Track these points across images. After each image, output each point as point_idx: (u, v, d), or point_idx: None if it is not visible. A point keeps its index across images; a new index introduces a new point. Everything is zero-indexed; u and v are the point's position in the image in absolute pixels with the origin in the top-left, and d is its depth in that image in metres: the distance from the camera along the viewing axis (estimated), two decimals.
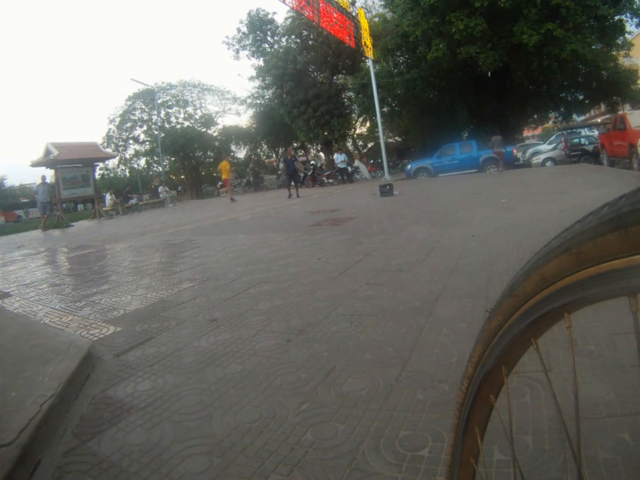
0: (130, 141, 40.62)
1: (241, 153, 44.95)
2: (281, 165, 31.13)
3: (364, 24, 20.29)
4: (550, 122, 36.83)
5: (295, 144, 39.03)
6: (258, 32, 32.40)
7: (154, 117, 38.88)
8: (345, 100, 31.76)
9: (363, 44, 20.02)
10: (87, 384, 2.50)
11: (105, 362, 2.81)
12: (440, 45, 22.25)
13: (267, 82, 31.76)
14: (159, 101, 38.35)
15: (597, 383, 1.86)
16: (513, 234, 5.12)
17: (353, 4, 26.30)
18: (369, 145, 43.21)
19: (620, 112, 18.40)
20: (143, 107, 40.22)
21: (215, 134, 42.04)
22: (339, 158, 24.95)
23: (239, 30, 32.67)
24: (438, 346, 2.45)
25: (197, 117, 41.33)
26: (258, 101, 36.59)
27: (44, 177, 18.90)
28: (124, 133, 40.14)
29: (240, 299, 3.89)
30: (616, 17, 22.17)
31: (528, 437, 1.59)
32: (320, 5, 17.23)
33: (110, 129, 39.74)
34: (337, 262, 4.92)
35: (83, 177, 20.88)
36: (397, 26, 23.84)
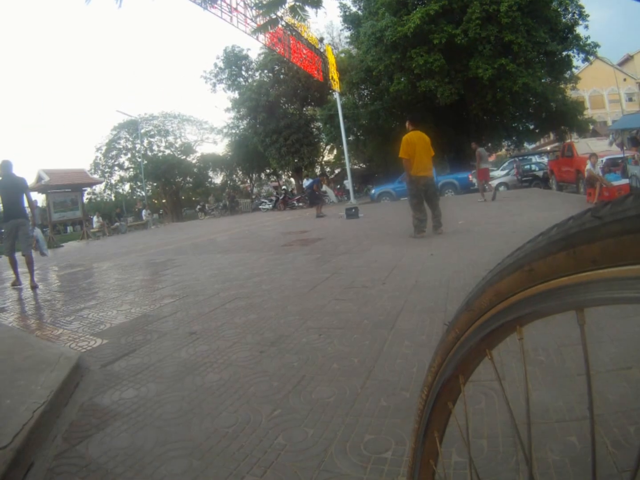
0: (116, 168, 40.52)
1: (218, 179, 44.85)
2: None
3: (331, 60, 20.59)
4: (504, 150, 37.05)
5: (267, 171, 39.18)
6: (233, 67, 32.43)
7: (138, 146, 38.61)
8: (314, 129, 31.75)
9: (330, 77, 20.31)
10: (76, 392, 2.52)
11: (93, 372, 2.82)
12: (402, 79, 22.56)
13: (241, 113, 31.79)
14: (142, 131, 38.15)
15: (547, 390, 1.91)
16: (469, 253, 5.20)
17: (321, 40, 26.60)
18: (336, 171, 43.36)
19: (568, 141, 19.05)
20: (127, 136, 40.11)
21: (194, 161, 41.85)
22: (307, 183, 25.04)
23: (215, 65, 32.70)
24: (400, 357, 2.50)
25: (177, 145, 41.27)
26: (233, 131, 36.47)
27: (35, 202, 18.70)
28: (109, 160, 40.03)
29: (218, 313, 3.93)
30: (564, 53, 23.04)
31: (483, 440, 1.63)
32: (291, 42, 17.53)
33: (97, 156, 39.78)
34: (306, 279, 4.96)
35: (72, 201, 20.82)
36: (362, 61, 24.00)
